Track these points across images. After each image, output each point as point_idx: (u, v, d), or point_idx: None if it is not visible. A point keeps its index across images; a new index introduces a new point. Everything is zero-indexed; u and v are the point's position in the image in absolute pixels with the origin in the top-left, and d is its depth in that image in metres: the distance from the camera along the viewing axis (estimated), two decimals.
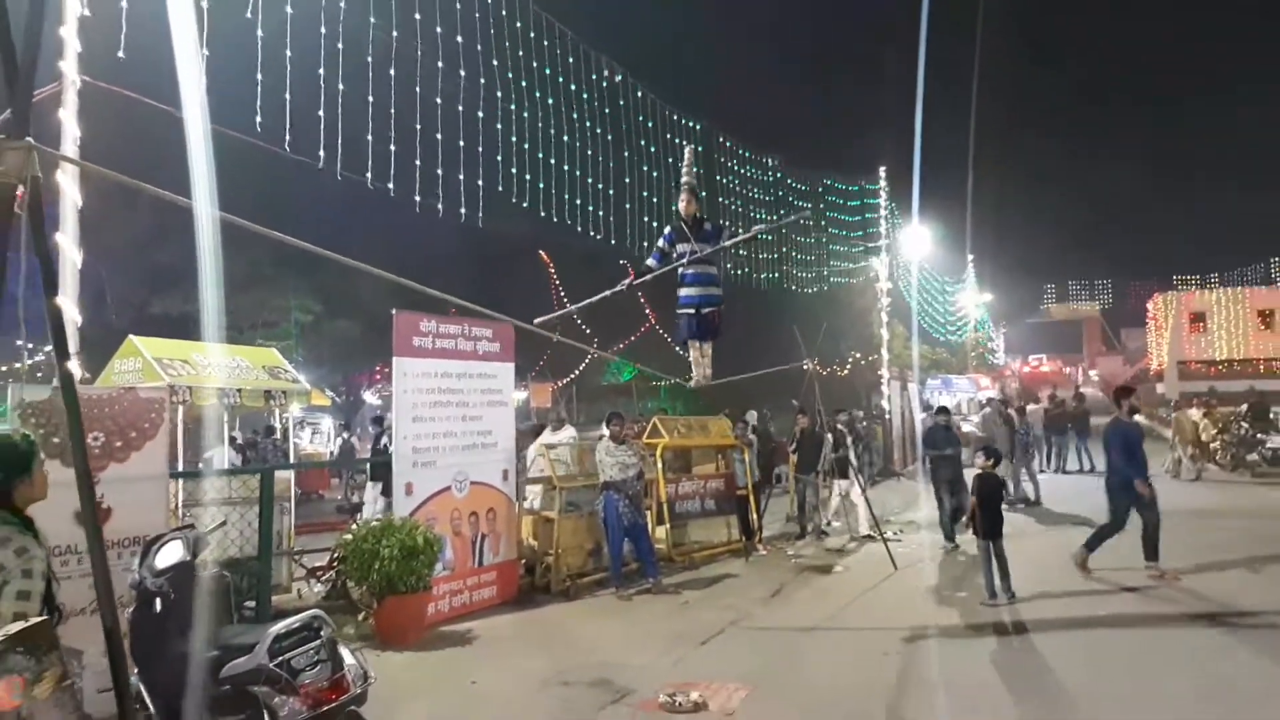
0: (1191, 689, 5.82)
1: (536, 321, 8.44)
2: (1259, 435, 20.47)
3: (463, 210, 11.83)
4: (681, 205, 8.29)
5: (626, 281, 8.48)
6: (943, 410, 11.97)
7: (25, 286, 3.62)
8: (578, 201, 14.90)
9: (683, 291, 8.17)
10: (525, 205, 13.45)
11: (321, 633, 4.03)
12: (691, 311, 8.15)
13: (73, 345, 7.31)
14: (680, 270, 8.09)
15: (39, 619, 2.80)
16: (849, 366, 38.01)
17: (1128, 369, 77.16)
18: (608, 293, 9.02)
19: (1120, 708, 5.60)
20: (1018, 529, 11.13)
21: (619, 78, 14.70)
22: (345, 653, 4.12)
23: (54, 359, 6.50)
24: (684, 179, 8.52)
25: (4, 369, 19.84)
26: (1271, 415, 22.32)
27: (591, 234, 15.77)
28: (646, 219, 17.16)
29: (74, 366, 7.01)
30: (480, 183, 11.86)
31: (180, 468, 9.18)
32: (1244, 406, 23.36)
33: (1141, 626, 7.49)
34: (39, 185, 3.30)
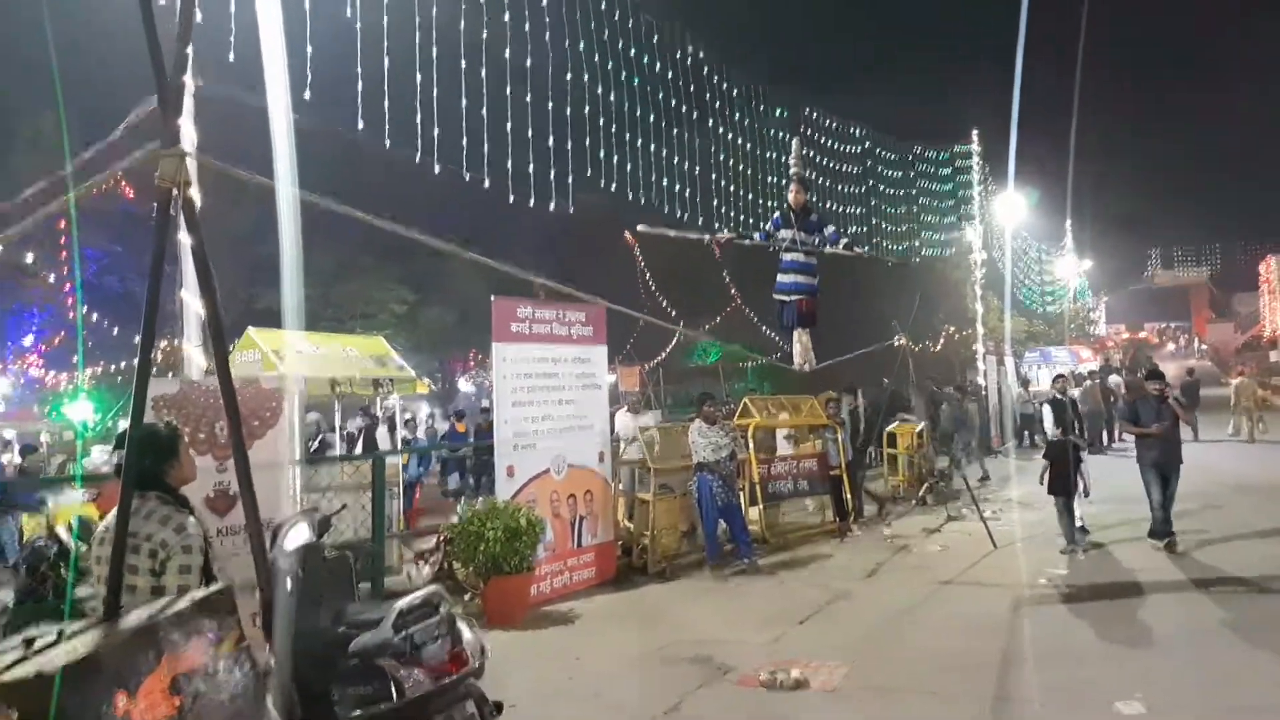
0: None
1: (640, 228, 9.11)
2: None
3: (553, 199, 12.07)
4: (791, 195, 8.74)
5: (727, 235, 8.88)
6: (1156, 374, 10.21)
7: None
8: (664, 181, 15.01)
9: (781, 279, 8.56)
10: (613, 188, 13.61)
11: (441, 609, 4.25)
12: (786, 299, 8.48)
13: (195, 338, 7.76)
14: (781, 256, 8.42)
15: (221, 585, 3.09)
16: (942, 341, 37.19)
17: (1239, 336, 73.59)
18: (707, 236, 9.50)
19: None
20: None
21: (701, 53, 14.68)
22: (463, 627, 4.34)
23: (184, 352, 6.93)
24: (792, 169, 8.92)
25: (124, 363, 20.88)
26: None
27: (678, 213, 15.87)
28: (733, 189, 17.15)
29: (199, 357, 7.47)
30: (570, 169, 12.07)
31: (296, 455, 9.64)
32: None
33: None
34: (189, 190, 3.57)
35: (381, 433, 12.01)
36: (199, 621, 2.75)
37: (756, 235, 8.75)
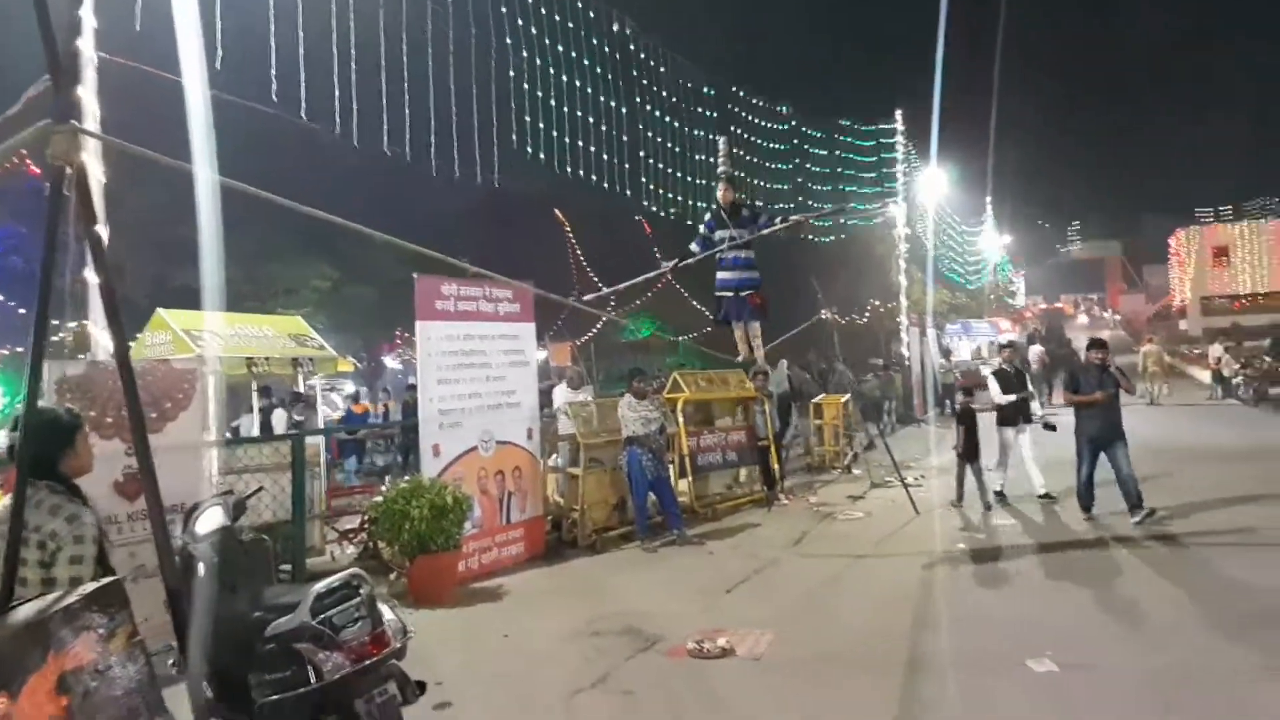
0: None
1: (587, 298, 9.16)
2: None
3: (478, 172, 11.89)
4: (720, 194, 8.76)
5: (672, 263, 8.87)
6: (1098, 343, 9.88)
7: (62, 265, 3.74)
8: (592, 156, 14.87)
9: (721, 275, 8.65)
10: (542, 160, 13.45)
11: (361, 590, 4.17)
12: (730, 294, 8.57)
13: (101, 320, 7.47)
14: (719, 255, 8.47)
15: (112, 578, 2.96)
16: (868, 315, 37.87)
17: (1150, 306, 76.43)
18: (653, 274, 9.49)
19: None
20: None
21: (628, 30, 14.56)
22: (384, 609, 4.26)
23: (90, 333, 6.67)
24: (721, 169, 8.97)
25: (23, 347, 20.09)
26: None
27: (606, 187, 15.76)
28: (660, 166, 17.11)
29: (106, 339, 7.19)
30: (495, 143, 11.90)
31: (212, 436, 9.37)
32: (1268, 341, 23.38)
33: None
34: (84, 167, 3.40)
35: (279, 415, 11.64)
36: (89, 616, 2.63)
37: (694, 246, 8.80)
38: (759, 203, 9.89)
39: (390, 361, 37.68)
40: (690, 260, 8.80)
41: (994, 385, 11.01)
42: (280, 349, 9.51)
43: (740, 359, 9.33)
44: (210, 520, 4.78)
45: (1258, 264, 56.17)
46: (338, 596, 4.13)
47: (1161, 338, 32.25)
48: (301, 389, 14.75)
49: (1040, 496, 10.60)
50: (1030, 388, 11.32)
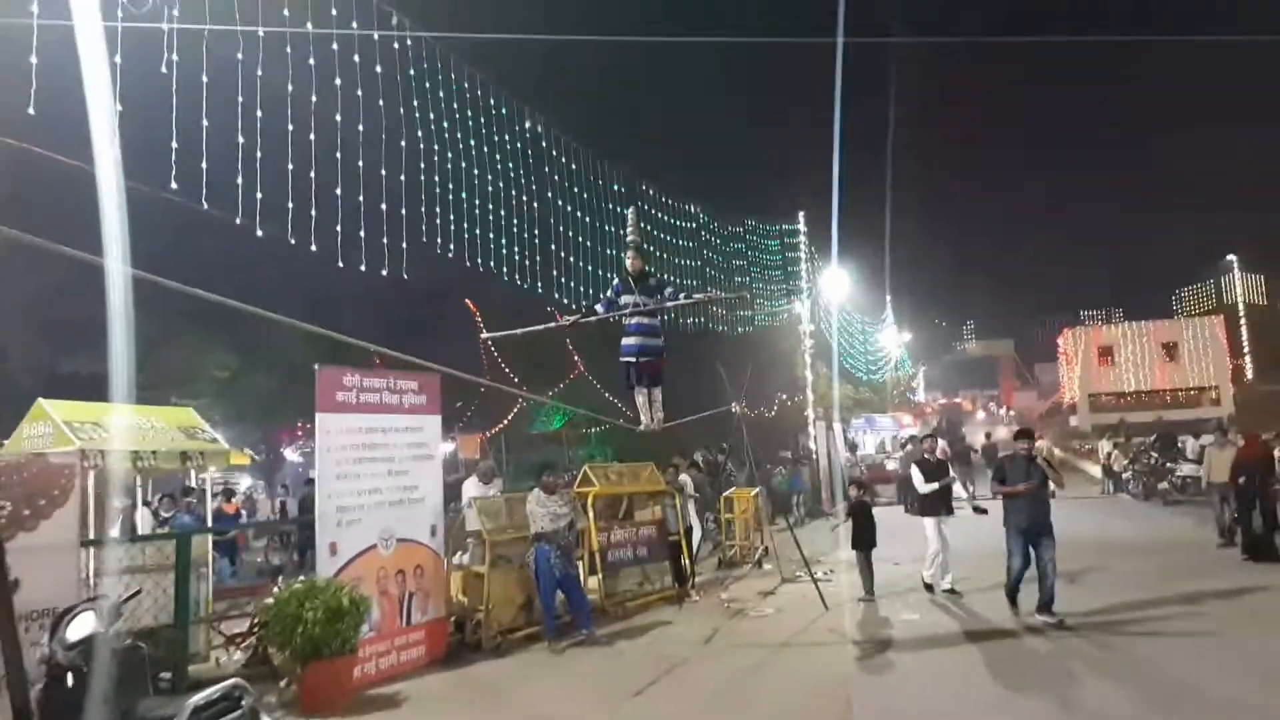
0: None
1: (484, 336, 8.97)
2: (1168, 464, 21.43)
3: (386, 266, 11.75)
4: (628, 262, 8.88)
5: (572, 318, 8.87)
6: (1025, 433, 9.92)
7: None
8: (501, 250, 14.92)
9: (625, 341, 8.70)
10: (451, 254, 13.38)
11: (243, 702, 3.92)
12: (632, 360, 8.61)
13: None
14: (625, 321, 8.53)
15: None
16: (775, 408, 38.46)
17: (1042, 403, 79.77)
18: (553, 325, 9.45)
19: None
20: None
21: (539, 127, 14.82)
22: None
23: None
24: (629, 238, 9.05)
25: None
26: (1179, 445, 23.41)
27: (517, 281, 15.77)
28: (573, 261, 17.28)
29: None
30: (404, 234, 11.80)
31: (92, 535, 8.82)
32: (1153, 437, 24.53)
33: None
34: None
35: (142, 515, 10.81)
36: None
37: (599, 308, 8.85)
38: (668, 277, 10.03)
39: (290, 454, 36.46)
40: (591, 318, 8.84)
41: (917, 475, 11.06)
42: (169, 442, 9.07)
43: (641, 428, 9.31)
44: (81, 626, 4.47)
45: (1140, 363, 59.40)
46: (217, 709, 3.87)
47: (1054, 433, 33.75)
48: (193, 484, 14.09)
49: (945, 590, 10.72)
50: (953, 474, 11.54)
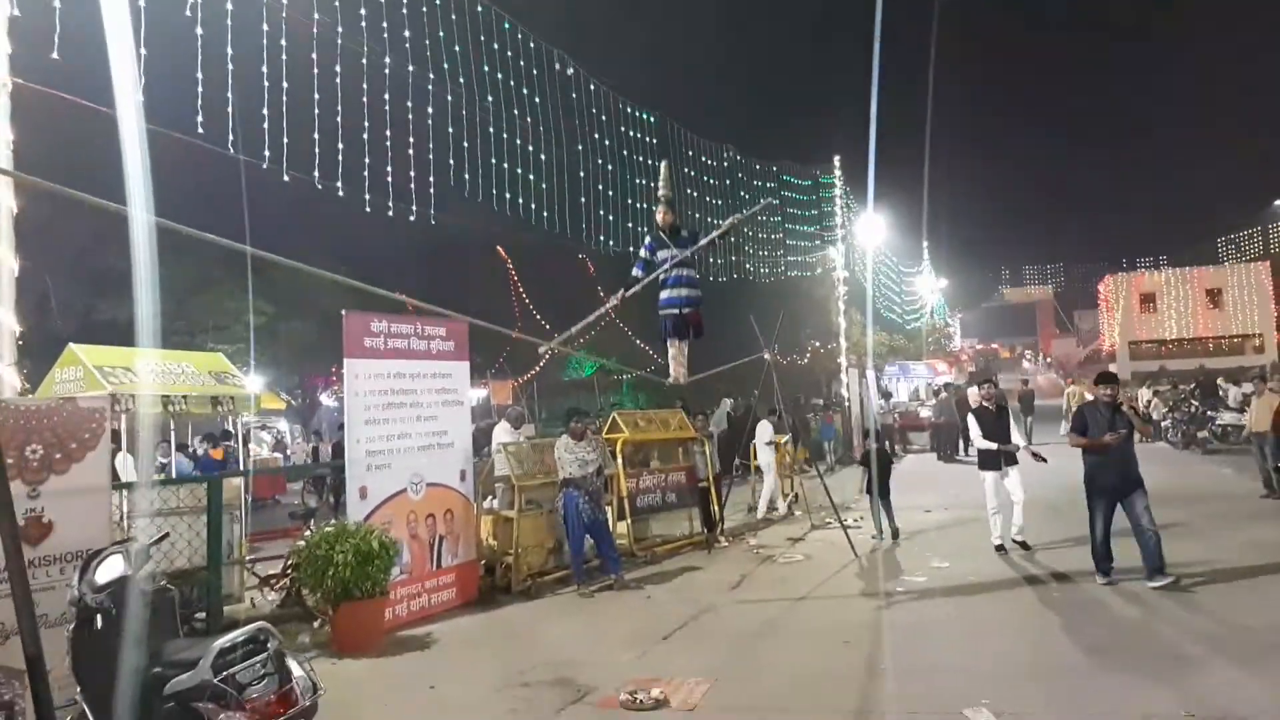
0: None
1: (542, 350, 9.11)
2: (1208, 413, 21.00)
3: (414, 207, 11.70)
4: (659, 217, 8.76)
5: (619, 294, 8.80)
6: (1108, 377, 8.72)
7: None
8: (532, 197, 14.78)
9: (665, 294, 8.61)
10: (480, 200, 13.29)
11: (268, 645, 3.94)
12: (676, 312, 8.54)
13: (10, 356, 7.10)
14: (662, 275, 8.45)
15: None
16: (808, 355, 38.20)
17: (1081, 350, 78.60)
18: (603, 309, 9.40)
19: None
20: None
21: (570, 70, 14.57)
22: (293, 665, 4.03)
23: None
24: (660, 192, 8.94)
25: None
26: (1220, 392, 22.93)
27: (546, 228, 15.66)
28: (602, 212, 17.10)
29: (12, 376, 6.82)
30: (432, 179, 11.72)
31: (125, 478, 8.95)
32: (1193, 385, 24.03)
33: None
34: None
35: (123, 460, 10.60)
36: None
37: (637, 270, 8.74)
38: (698, 230, 9.80)
39: (325, 399, 36.88)
40: (636, 288, 8.72)
41: (974, 427, 10.35)
42: (200, 387, 9.14)
43: (669, 381, 9.24)
44: (110, 570, 4.51)
45: (1183, 310, 58.16)
46: (242, 652, 3.89)
47: (1079, 377, 33.41)
48: (231, 428, 14.30)
49: (1016, 543, 10.03)
50: (1014, 425, 10.61)
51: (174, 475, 10.97)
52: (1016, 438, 10.37)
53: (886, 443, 24.35)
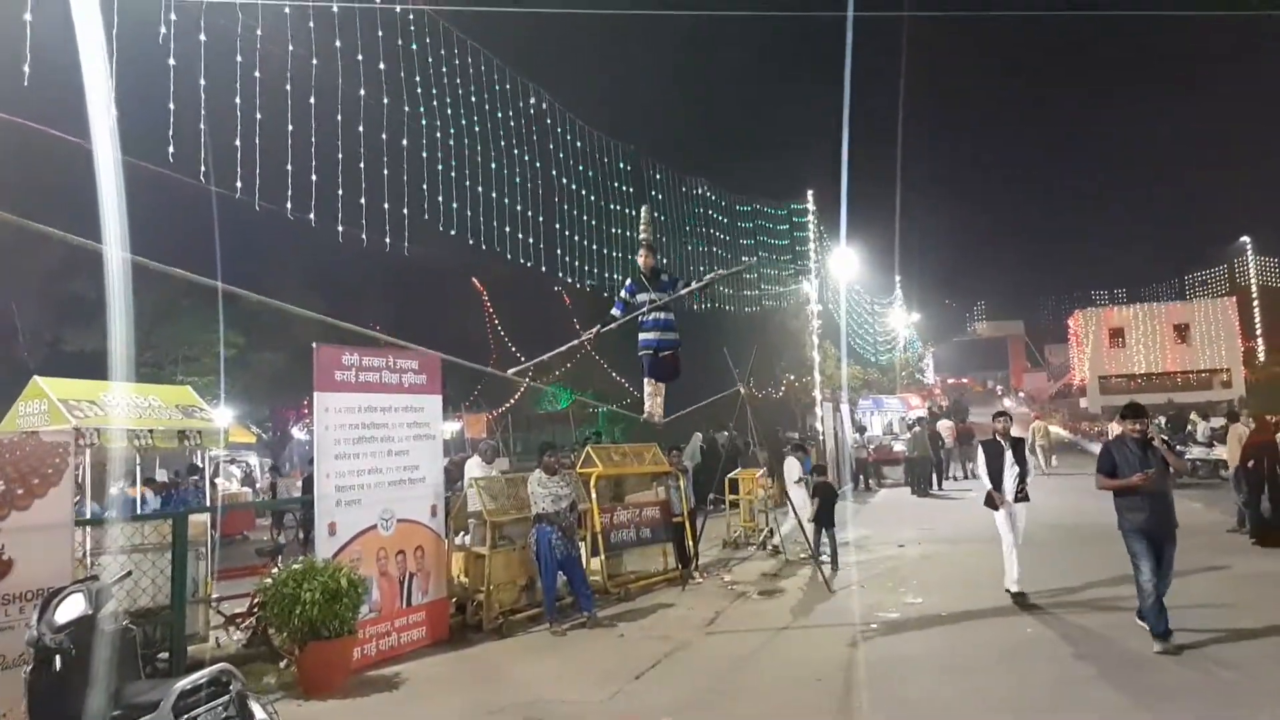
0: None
1: (510, 373, 9.30)
2: (1178, 447, 21.24)
3: (387, 239, 11.66)
4: (640, 260, 8.93)
5: (594, 330, 8.91)
6: (1135, 410, 7.71)
7: None
8: (507, 228, 14.80)
9: (642, 336, 8.78)
10: (453, 233, 13.29)
11: (231, 687, 3.86)
12: (650, 353, 8.69)
13: None
14: (640, 317, 8.61)
15: None
16: (783, 388, 38.35)
17: (1051, 384, 79.44)
18: (575, 342, 9.50)
19: None
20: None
21: (544, 104, 14.68)
22: (256, 707, 3.95)
23: None
24: (641, 236, 9.08)
25: None
26: (1189, 427, 23.21)
27: (521, 261, 15.66)
28: (577, 239, 17.15)
29: None
30: (406, 210, 11.71)
31: (88, 514, 8.78)
32: (1162, 419, 24.34)
33: None
34: None
35: (140, 494, 10.43)
36: None
37: (616, 311, 8.89)
38: (678, 276, 9.90)
39: (297, 432, 36.51)
40: (612, 325, 8.85)
41: (983, 461, 9.65)
42: (167, 421, 9.02)
43: (644, 417, 9.35)
44: (70, 609, 4.42)
45: (1151, 345, 59.05)
46: (205, 694, 3.81)
47: (1062, 414, 34.09)
48: (199, 462, 14.09)
49: (1011, 594, 9.26)
50: (1028, 458, 9.92)
51: (138, 510, 10.79)
52: (1009, 479, 9.50)
53: (860, 477, 24.59)
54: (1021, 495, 9.48)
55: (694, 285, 9.27)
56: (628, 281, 9.11)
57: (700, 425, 20.50)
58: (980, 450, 9.88)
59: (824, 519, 12.07)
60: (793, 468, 14.04)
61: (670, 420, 10.02)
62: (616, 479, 12.07)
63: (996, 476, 9.53)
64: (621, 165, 18.44)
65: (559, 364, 39.14)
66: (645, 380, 9.16)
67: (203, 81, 8.56)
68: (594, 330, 8.94)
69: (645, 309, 8.68)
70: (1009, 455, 9.57)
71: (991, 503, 9.53)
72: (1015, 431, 10.00)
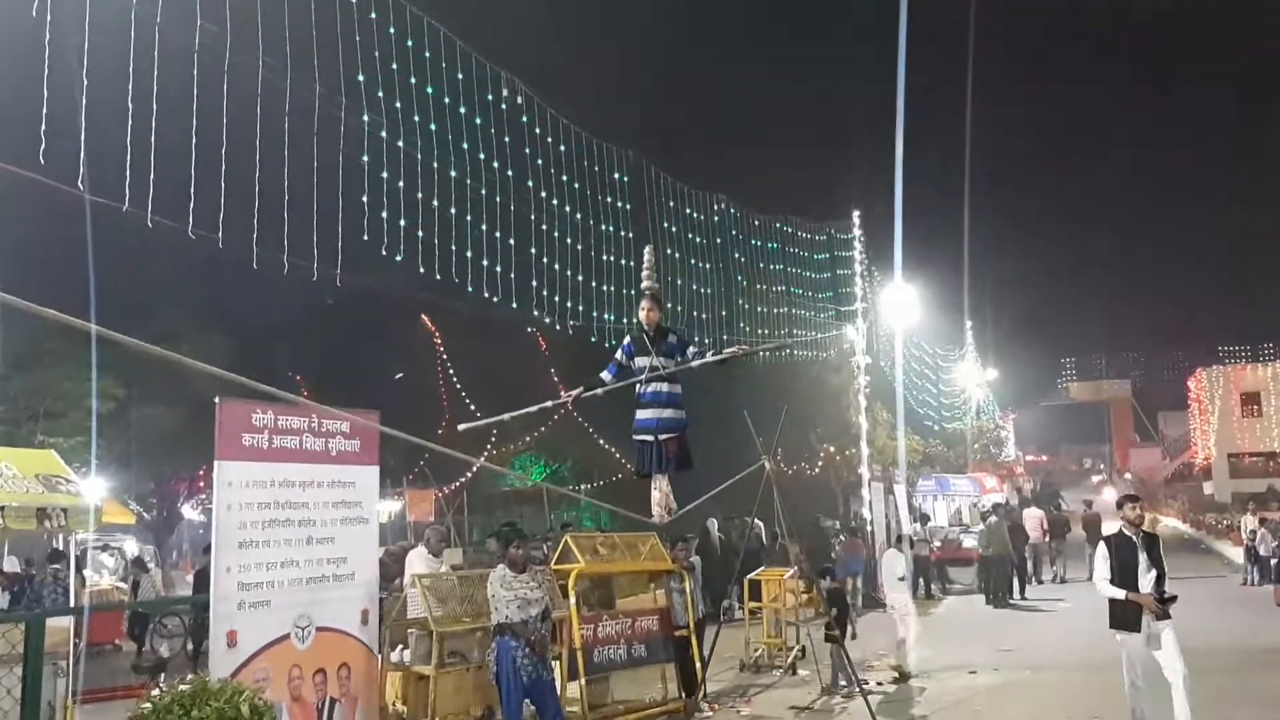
0: None
1: (461, 428, 9.36)
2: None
3: (315, 264, 11.73)
4: (642, 314, 8.79)
5: (575, 392, 8.86)
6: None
7: None
8: (469, 253, 14.84)
9: (641, 415, 8.56)
10: (399, 259, 13.35)
11: None
12: (649, 438, 8.47)
13: None
14: (638, 389, 8.45)
15: None
16: (819, 463, 38.35)
17: (1167, 463, 79.36)
18: (550, 404, 9.48)
19: None
20: None
21: (518, 97, 14.85)
22: None
23: None
24: (644, 284, 8.96)
25: None
26: None
27: (486, 295, 15.69)
28: (558, 268, 17.19)
29: None
30: (340, 229, 11.80)
31: None
32: None
33: None
34: None
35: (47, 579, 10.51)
36: None
37: (606, 374, 8.80)
38: (693, 337, 9.86)
39: (189, 511, 36.34)
40: (598, 391, 8.77)
41: (1102, 567, 9.23)
42: (23, 495, 8.98)
43: (653, 518, 9.18)
44: None
45: None
46: None
47: (1181, 503, 33.74)
48: (62, 546, 14.00)
49: None
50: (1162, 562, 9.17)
51: None
52: (1145, 588, 8.92)
53: (921, 581, 24.41)
54: (1164, 611, 8.77)
55: (709, 356, 9.11)
56: (625, 340, 9.05)
57: (713, 510, 20.50)
58: (1105, 549, 9.33)
59: (839, 632, 12.39)
60: (894, 563, 14.02)
61: (681, 514, 10.00)
62: (603, 578, 12.00)
63: (1130, 585, 8.87)
64: (617, 176, 18.61)
65: (529, 427, 39.18)
66: (651, 479, 8.97)
67: (83, 61, 8.70)
68: (575, 393, 8.90)
69: (644, 377, 8.55)
70: (1143, 557, 8.94)
71: (1126, 621, 8.85)
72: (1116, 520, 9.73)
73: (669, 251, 21.65)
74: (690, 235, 22.53)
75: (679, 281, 21.71)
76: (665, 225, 21.38)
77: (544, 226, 16.69)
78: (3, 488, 8.85)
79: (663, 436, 8.54)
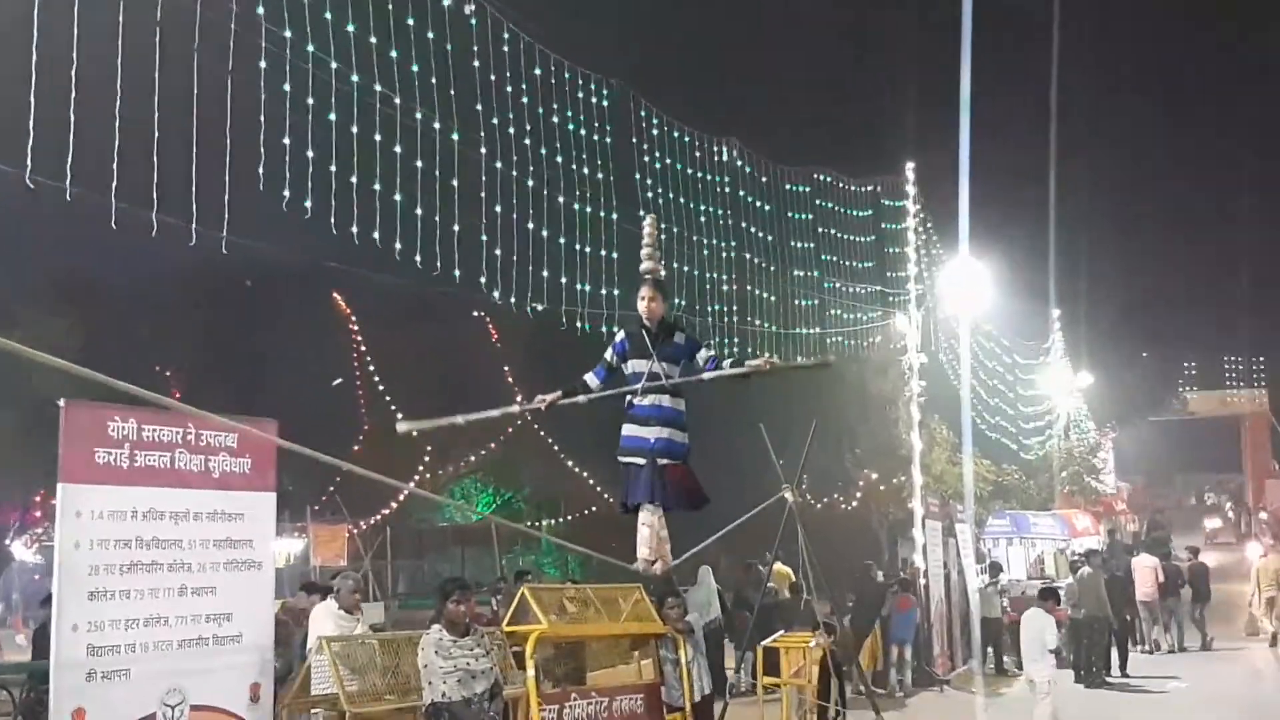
0: None
1: (401, 429, 9.28)
2: None
3: (194, 225, 11.69)
4: (642, 304, 8.67)
5: (548, 397, 8.73)
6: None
7: None
8: (398, 214, 14.73)
9: (629, 430, 8.45)
10: (308, 218, 13.29)
11: None
12: (640, 461, 8.38)
13: None
14: (630, 399, 8.38)
15: None
16: (858, 494, 38.35)
17: None
18: (517, 408, 9.39)
19: None
20: None
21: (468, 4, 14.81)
22: None
23: None
24: (644, 265, 8.84)
25: None
26: None
27: (419, 265, 15.54)
28: (517, 228, 17.02)
29: None
30: (226, 181, 11.78)
31: None
32: None
33: None
34: None
35: None
36: None
37: (593, 377, 8.70)
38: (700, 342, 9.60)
39: (22, 549, 36.21)
40: (579, 399, 8.68)
41: None
42: None
43: (637, 566, 9.09)
44: None
45: None
46: None
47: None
48: None
49: None
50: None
51: None
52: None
53: (990, 651, 24.40)
54: None
55: (727, 367, 9.03)
56: (618, 337, 8.94)
57: (713, 554, 20.50)
58: None
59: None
60: (1041, 626, 14.07)
61: (681, 562, 9.93)
62: (572, 645, 12.02)
63: None
64: (597, 101, 18.48)
65: (475, 444, 39.17)
66: (640, 511, 8.85)
67: None
68: (550, 397, 8.79)
69: (639, 386, 8.51)
70: None
71: None
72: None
73: (670, 198, 21.41)
74: (693, 185, 22.32)
75: (678, 262, 21.59)
76: (657, 157, 21.09)
77: (498, 165, 16.40)
78: None
79: (662, 461, 8.46)
